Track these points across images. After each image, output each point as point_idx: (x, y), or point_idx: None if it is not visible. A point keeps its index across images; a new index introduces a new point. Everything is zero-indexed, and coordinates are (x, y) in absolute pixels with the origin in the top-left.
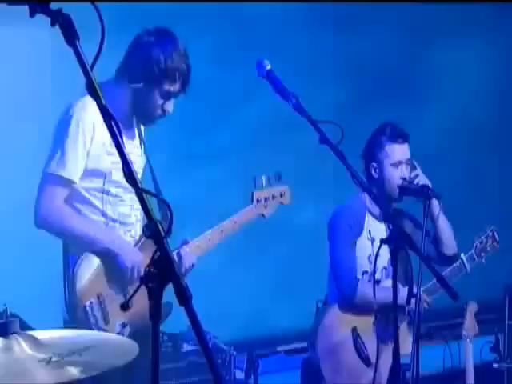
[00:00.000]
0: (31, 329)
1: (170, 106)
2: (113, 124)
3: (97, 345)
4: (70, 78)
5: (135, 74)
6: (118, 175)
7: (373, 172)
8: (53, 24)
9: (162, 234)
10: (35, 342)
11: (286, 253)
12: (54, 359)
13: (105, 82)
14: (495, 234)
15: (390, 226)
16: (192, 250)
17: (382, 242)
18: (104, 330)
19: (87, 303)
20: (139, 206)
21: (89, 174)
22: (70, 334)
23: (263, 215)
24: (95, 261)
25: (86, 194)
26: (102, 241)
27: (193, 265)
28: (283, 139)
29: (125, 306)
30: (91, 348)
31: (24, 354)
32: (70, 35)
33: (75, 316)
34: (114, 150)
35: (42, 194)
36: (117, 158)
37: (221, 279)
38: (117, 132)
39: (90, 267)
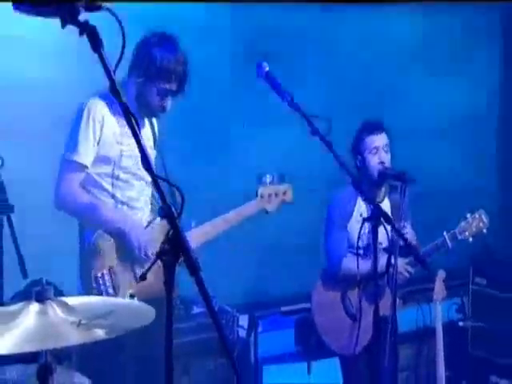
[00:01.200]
0: (63, 295)
1: (167, 103)
2: (132, 119)
3: (119, 309)
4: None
5: (138, 70)
6: (127, 162)
7: (358, 164)
8: (81, 34)
9: (175, 215)
10: (67, 307)
11: (283, 224)
12: (83, 322)
13: (123, 79)
14: (482, 216)
15: (371, 206)
16: (196, 235)
17: (364, 220)
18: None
19: (99, 274)
20: (148, 192)
21: (100, 160)
22: (95, 299)
23: (266, 210)
24: (108, 237)
25: (98, 178)
26: (114, 221)
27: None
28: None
29: (142, 278)
30: (114, 312)
31: (58, 318)
32: (96, 44)
33: (88, 284)
34: (123, 140)
35: (60, 180)
36: (125, 146)
37: (225, 250)
38: (135, 126)
39: (103, 243)
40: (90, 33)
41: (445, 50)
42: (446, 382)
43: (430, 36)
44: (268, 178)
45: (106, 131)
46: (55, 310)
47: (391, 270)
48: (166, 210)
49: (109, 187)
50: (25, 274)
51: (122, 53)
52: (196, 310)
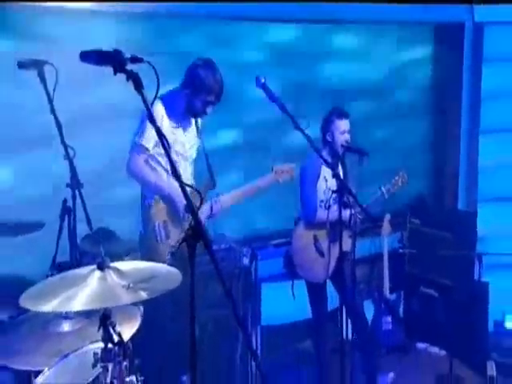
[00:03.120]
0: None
1: (208, 110)
2: (163, 139)
3: (156, 275)
4: None
5: (188, 86)
6: (178, 147)
7: (328, 138)
8: (128, 79)
9: (196, 210)
10: (119, 273)
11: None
12: (131, 286)
13: (176, 88)
14: (404, 175)
15: (338, 182)
16: (223, 201)
17: (333, 192)
18: (165, 243)
19: (156, 223)
20: (190, 170)
21: (159, 144)
22: (140, 265)
23: (278, 181)
24: (161, 201)
25: (157, 157)
26: (166, 189)
27: (214, 214)
28: None
29: (173, 254)
30: (153, 277)
31: (113, 283)
32: (138, 85)
33: (148, 230)
34: (176, 131)
35: (131, 157)
36: (178, 137)
37: None
38: (166, 144)
39: (159, 203)
40: (134, 78)
41: None
42: (389, 290)
43: None
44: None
45: (163, 124)
46: (111, 276)
47: (352, 219)
48: (190, 206)
49: (164, 164)
50: (91, 229)
51: (157, 93)
52: (213, 247)
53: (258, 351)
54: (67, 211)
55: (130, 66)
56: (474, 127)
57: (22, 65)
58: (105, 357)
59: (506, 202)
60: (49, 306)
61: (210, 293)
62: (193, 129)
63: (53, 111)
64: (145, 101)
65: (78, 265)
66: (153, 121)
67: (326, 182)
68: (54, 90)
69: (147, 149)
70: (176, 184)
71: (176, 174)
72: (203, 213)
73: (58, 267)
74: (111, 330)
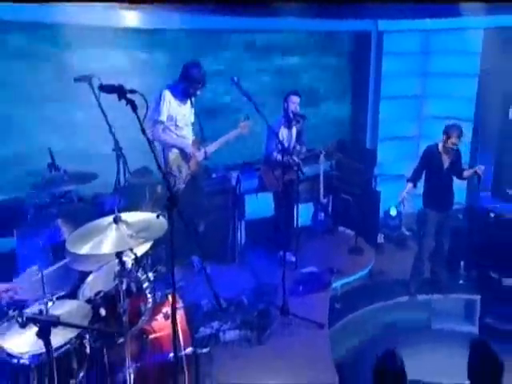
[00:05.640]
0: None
1: (197, 92)
2: (151, 143)
3: (151, 225)
4: None
5: (184, 79)
6: (180, 117)
7: (285, 107)
8: (127, 104)
9: (172, 187)
10: (127, 223)
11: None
12: (134, 235)
13: (176, 80)
14: (333, 143)
15: (282, 146)
16: (210, 148)
17: (279, 150)
18: (179, 176)
19: (174, 167)
20: (190, 133)
21: (169, 118)
22: (141, 217)
23: (242, 132)
24: (176, 152)
25: (169, 126)
26: (178, 144)
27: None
28: None
29: (158, 216)
30: (149, 227)
31: (124, 232)
32: (134, 108)
33: (168, 173)
34: (178, 109)
35: (154, 128)
36: (180, 111)
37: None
38: (152, 144)
39: (174, 154)
40: (131, 103)
41: None
42: (323, 197)
43: None
44: (242, 118)
45: (171, 105)
46: (123, 227)
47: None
48: (167, 185)
49: (174, 130)
50: (130, 173)
51: (147, 112)
52: (213, 175)
53: (243, 234)
54: (121, 157)
55: (129, 95)
56: (376, 95)
57: (77, 79)
58: (120, 274)
59: (394, 140)
60: (84, 250)
61: (208, 203)
62: (188, 105)
63: (100, 105)
64: (138, 118)
65: (126, 188)
66: (144, 132)
67: (283, 133)
68: (99, 92)
69: (163, 122)
70: (183, 140)
71: (159, 166)
72: (200, 156)
73: (117, 189)
74: (124, 258)
